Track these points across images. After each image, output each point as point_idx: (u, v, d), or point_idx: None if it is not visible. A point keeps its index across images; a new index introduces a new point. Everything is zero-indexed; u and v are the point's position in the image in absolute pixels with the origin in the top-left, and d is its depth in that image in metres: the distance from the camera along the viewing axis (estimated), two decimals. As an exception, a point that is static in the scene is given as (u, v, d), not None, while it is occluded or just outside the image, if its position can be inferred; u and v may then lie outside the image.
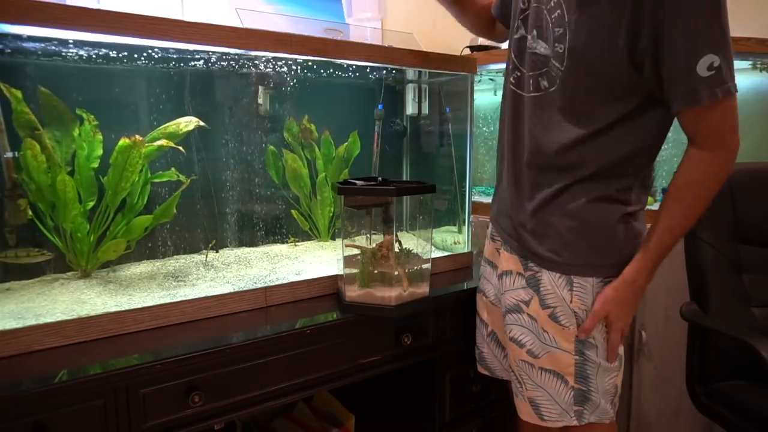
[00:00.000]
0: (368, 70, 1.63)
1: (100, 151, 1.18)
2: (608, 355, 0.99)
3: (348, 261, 1.19)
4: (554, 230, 0.98)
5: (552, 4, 0.93)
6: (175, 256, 1.38)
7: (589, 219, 0.96)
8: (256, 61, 1.41)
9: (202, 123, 1.28)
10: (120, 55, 1.24)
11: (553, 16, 0.93)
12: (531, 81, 0.99)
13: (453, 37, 2.04)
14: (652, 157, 0.98)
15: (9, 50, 1.11)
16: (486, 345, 1.21)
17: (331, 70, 1.58)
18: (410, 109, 1.69)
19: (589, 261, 0.97)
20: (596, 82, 0.90)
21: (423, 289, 1.20)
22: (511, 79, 1.05)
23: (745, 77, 1.92)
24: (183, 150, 1.26)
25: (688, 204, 0.92)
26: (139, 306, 1.03)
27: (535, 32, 0.97)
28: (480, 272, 1.25)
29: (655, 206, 1.81)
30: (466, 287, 1.37)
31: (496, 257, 1.16)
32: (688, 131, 0.90)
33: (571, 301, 0.97)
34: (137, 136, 1.16)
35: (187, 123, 1.26)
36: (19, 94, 1.06)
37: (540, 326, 1.00)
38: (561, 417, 1.00)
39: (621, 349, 1.03)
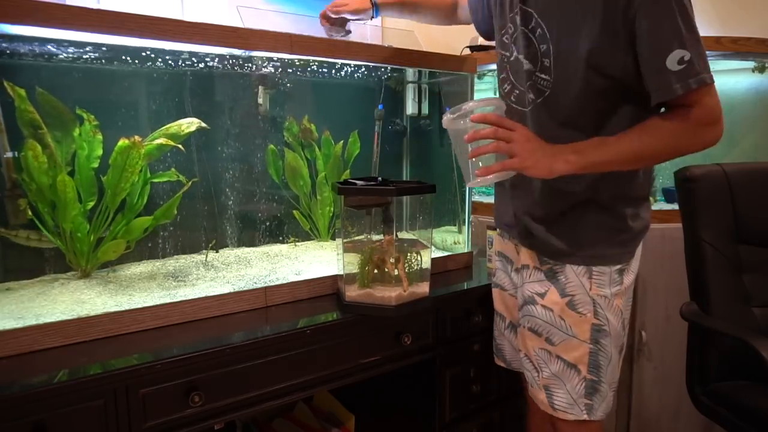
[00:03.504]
0: (368, 70, 1.63)
1: (100, 151, 1.18)
2: (469, 135, 0.94)
3: (348, 261, 1.19)
4: (573, 230, 1.03)
5: (533, 23, 0.98)
6: (175, 256, 1.38)
7: (605, 215, 1.02)
8: (256, 61, 1.41)
9: (203, 124, 1.28)
10: (120, 55, 1.25)
11: (537, 35, 0.98)
12: (528, 96, 1.03)
13: (453, 37, 2.04)
14: None
15: (10, 50, 1.11)
16: (504, 337, 1.24)
17: (331, 70, 1.58)
18: (410, 109, 1.69)
19: (606, 252, 1.02)
20: (578, 87, 0.94)
21: (423, 289, 1.20)
22: (512, 98, 1.09)
23: (745, 77, 1.92)
24: (182, 148, 1.26)
25: (656, 142, 0.91)
26: (139, 306, 1.03)
27: (524, 53, 1.02)
28: (493, 266, 1.27)
29: (656, 206, 1.81)
30: (466, 287, 1.38)
31: (511, 251, 1.20)
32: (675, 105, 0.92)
33: (590, 289, 1.02)
34: (136, 137, 1.16)
35: (189, 124, 1.26)
36: (23, 92, 1.06)
37: (557, 315, 1.03)
38: (571, 408, 1.03)
39: (624, 339, 1.07)
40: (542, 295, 1.06)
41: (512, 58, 1.06)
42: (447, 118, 0.99)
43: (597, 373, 1.03)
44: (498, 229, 1.25)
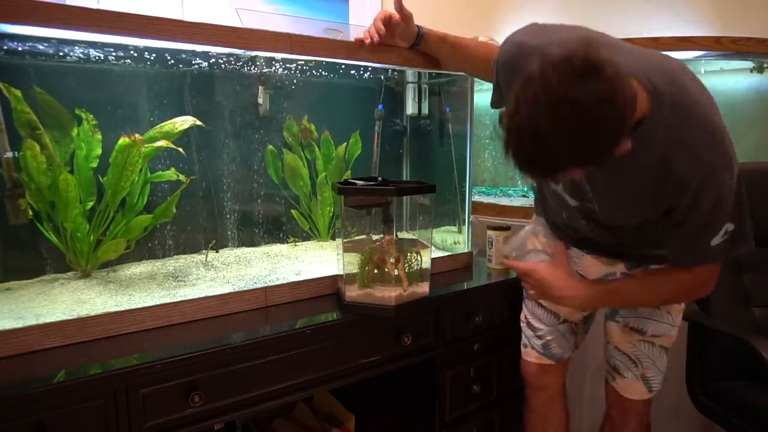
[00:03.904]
0: (368, 70, 1.63)
1: (99, 151, 1.17)
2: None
3: (348, 261, 1.19)
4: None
5: (588, 202, 1.02)
6: (175, 256, 1.38)
7: None
8: (255, 61, 1.41)
9: (198, 122, 1.28)
10: (120, 55, 1.24)
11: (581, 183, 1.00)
12: (575, 214, 1.09)
13: (453, 37, 2.04)
14: None
15: (9, 50, 1.11)
16: (558, 332, 1.25)
17: (331, 70, 1.58)
18: (410, 109, 1.69)
19: None
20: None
21: (423, 289, 1.20)
22: (552, 202, 1.16)
23: (745, 77, 1.92)
24: (182, 151, 1.26)
25: (654, 300, 1.09)
26: (139, 306, 1.03)
27: (569, 192, 1.05)
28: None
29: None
30: (466, 287, 1.38)
31: (577, 253, 1.22)
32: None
33: None
34: (137, 135, 1.16)
35: (183, 122, 1.25)
36: (18, 93, 1.05)
37: (665, 310, 1.13)
38: (660, 384, 1.18)
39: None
40: None
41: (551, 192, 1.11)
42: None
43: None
44: (547, 231, 1.26)
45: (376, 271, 1.19)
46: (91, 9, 0.97)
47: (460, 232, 1.64)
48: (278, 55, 1.28)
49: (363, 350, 1.16)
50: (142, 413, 0.90)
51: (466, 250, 1.57)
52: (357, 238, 1.26)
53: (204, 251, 1.41)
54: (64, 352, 0.93)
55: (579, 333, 1.28)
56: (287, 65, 1.47)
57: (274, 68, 1.46)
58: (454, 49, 1.25)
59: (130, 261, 1.31)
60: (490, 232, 1.52)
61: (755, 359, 1.11)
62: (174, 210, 1.28)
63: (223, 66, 1.39)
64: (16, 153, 1.08)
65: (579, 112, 0.67)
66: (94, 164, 1.18)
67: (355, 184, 1.17)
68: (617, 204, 0.97)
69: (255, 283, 1.21)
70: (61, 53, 1.17)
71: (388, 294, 1.13)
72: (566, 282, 1.05)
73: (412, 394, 1.39)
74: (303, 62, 1.47)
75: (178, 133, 1.24)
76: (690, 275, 0.97)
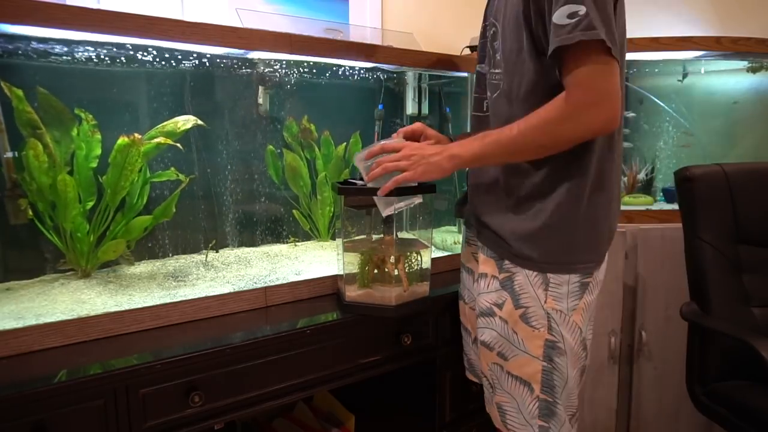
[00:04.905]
0: (368, 70, 1.63)
1: (98, 151, 1.17)
2: (370, 172, 0.98)
3: (348, 261, 1.19)
4: (529, 227, 0.95)
5: (492, 30, 1.00)
6: (175, 256, 1.38)
7: (560, 214, 0.93)
8: (255, 61, 1.41)
9: (200, 122, 1.28)
10: (120, 55, 1.24)
11: (490, 35, 1.01)
12: (487, 95, 1.03)
13: (453, 37, 2.04)
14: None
15: (9, 50, 1.11)
16: (472, 351, 1.18)
17: (331, 70, 1.58)
18: (410, 109, 1.69)
19: (565, 258, 0.94)
20: (520, 60, 0.92)
21: (423, 289, 1.20)
22: (474, 109, 1.10)
23: (744, 77, 1.92)
24: (181, 147, 1.26)
25: (530, 130, 0.87)
26: (139, 306, 1.03)
27: (485, 61, 1.04)
28: (460, 278, 1.23)
29: (656, 206, 1.81)
30: (466, 287, 1.38)
31: (472, 261, 1.15)
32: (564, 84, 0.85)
33: (545, 301, 0.94)
34: (136, 135, 1.16)
35: (185, 121, 1.25)
36: (20, 92, 1.06)
37: (510, 328, 0.97)
38: (524, 428, 0.98)
39: (584, 361, 1.00)
40: (501, 306, 0.98)
41: (477, 76, 1.08)
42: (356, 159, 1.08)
43: (551, 394, 0.95)
44: (464, 233, 1.21)
45: (376, 271, 1.20)
46: (91, 9, 0.97)
47: (460, 232, 1.64)
48: (278, 55, 1.28)
49: (363, 350, 1.16)
50: (142, 413, 0.90)
51: (466, 250, 1.57)
52: (357, 238, 1.26)
53: (204, 251, 1.42)
54: (64, 352, 0.94)
55: None
56: (287, 65, 1.47)
57: (274, 68, 1.46)
58: None
59: (130, 261, 1.31)
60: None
61: (755, 359, 1.11)
62: (174, 209, 1.28)
63: (223, 66, 1.39)
64: (15, 153, 1.08)
65: None
66: (94, 164, 1.18)
67: (355, 184, 1.17)
68: (504, 13, 0.94)
69: (255, 283, 1.21)
70: (61, 53, 1.17)
71: (388, 294, 1.13)
72: (433, 146, 0.97)
73: (412, 394, 1.39)
74: (303, 62, 1.47)
75: (180, 133, 1.24)
76: (566, 91, 0.83)
